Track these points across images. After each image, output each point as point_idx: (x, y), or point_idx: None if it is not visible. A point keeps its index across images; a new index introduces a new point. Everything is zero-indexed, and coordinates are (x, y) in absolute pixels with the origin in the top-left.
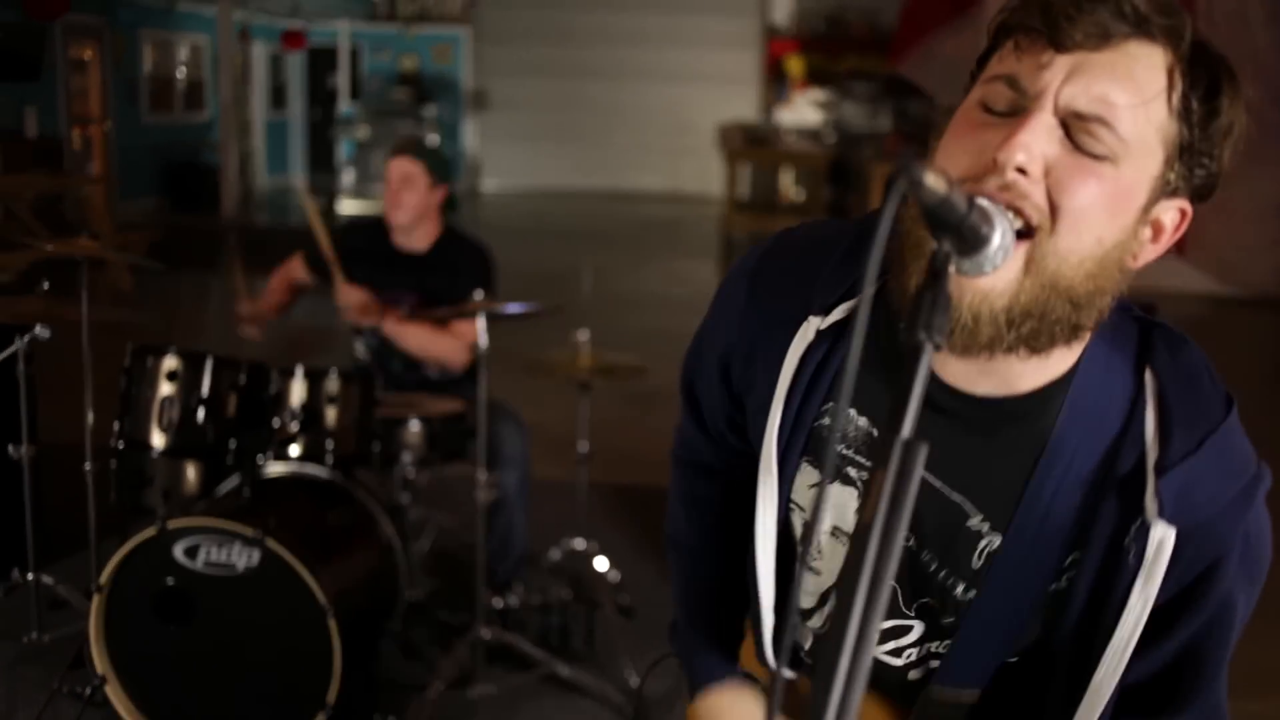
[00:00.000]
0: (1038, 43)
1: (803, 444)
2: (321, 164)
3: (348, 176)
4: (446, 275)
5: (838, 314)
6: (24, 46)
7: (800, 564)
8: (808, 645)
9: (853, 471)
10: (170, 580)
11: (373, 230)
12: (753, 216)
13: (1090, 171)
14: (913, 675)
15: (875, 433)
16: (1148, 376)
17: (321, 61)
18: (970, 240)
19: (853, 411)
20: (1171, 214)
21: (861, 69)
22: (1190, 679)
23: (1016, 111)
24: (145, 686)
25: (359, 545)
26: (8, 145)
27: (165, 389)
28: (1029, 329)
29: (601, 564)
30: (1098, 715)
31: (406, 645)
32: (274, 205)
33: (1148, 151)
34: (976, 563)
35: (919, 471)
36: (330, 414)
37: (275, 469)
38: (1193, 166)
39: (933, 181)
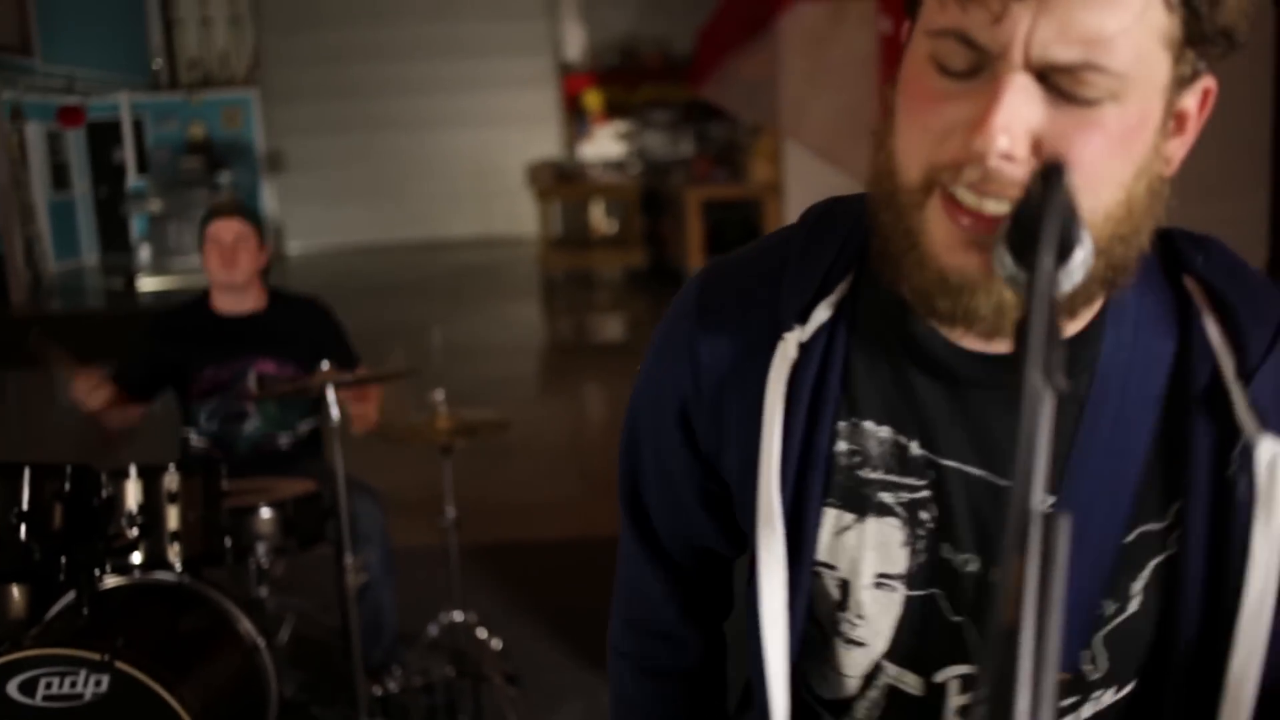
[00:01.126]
0: None
1: (821, 483)
2: (114, 243)
3: (144, 253)
4: (291, 332)
5: (817, 318)
6: None
7: (835, 638)
8: None
9: (889, 497)
10: None
11: (192, 308)
12: (568, 252)
13: (1089, 123)
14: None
15: (902, 441)
16: (1189, 283)
17: (103, 136)
18: (1065, 252)
19: (870, 424)
20: (1194, 97)
21: (659, 98)
22: None
23: (979, 70)
24: None
25: (219, 650)
26: None
27: None
28: (1080, 301)
29: (482, 633)
30: (1250, 695)
31: None
32: (66, 290)
33: (1153, 65)
34: None
35: (1066, 547)
36: (173, 514)
37: (115, 581)
38: (1207, 45)
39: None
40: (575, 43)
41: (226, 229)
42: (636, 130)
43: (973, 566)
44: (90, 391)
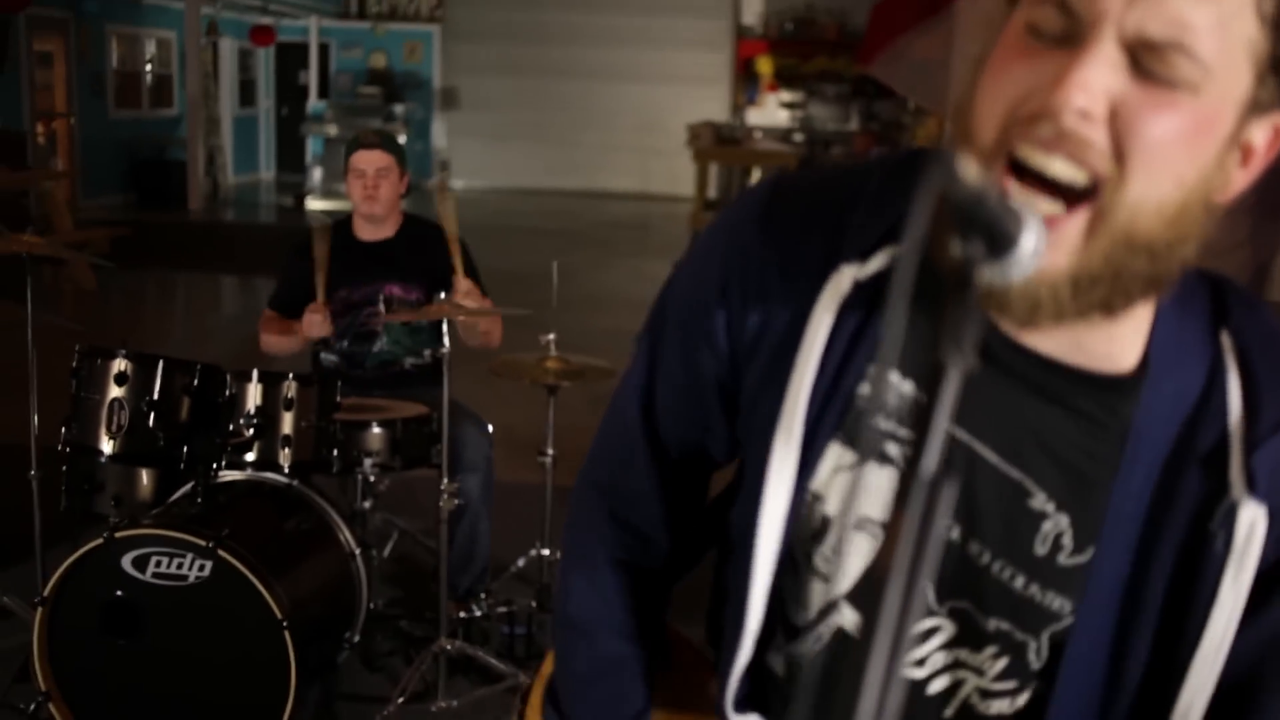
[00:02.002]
0: None
1: (837, 418)
2: (290, 162)
3: (316, 174)
4: (419, 258)
5: (877, 262)
6: None
7: (804, 567)
8: (781, 672)
9: (893, 449)
10: (118, 592)
11: (334, 231)
12: None
13: (1165, 104)
14: (935, 688)
15: (920, 401)
16: (1225, 338)
17: (290, 58)
18: (999, 243)
19: (896, 376)
20: (1264, 133)
21: (830, 70)
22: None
23: (1072, 38)
24: (91, 703)
25: (316, 554)
26: None
27: (114, 392)
28: (1100, 294)
29: None
30: None
31: (368, 657)
32: (241, 202)
33: (1234, 72)
34: (1040, 549)
35: (948, 514)
36: (286, 419)
37: (231, 476)
38: None
39: (970, 176)
40: (753, 8)
41: (369, 160)
42: (804, 100)
43: (952, 534)
44: (318, 323)
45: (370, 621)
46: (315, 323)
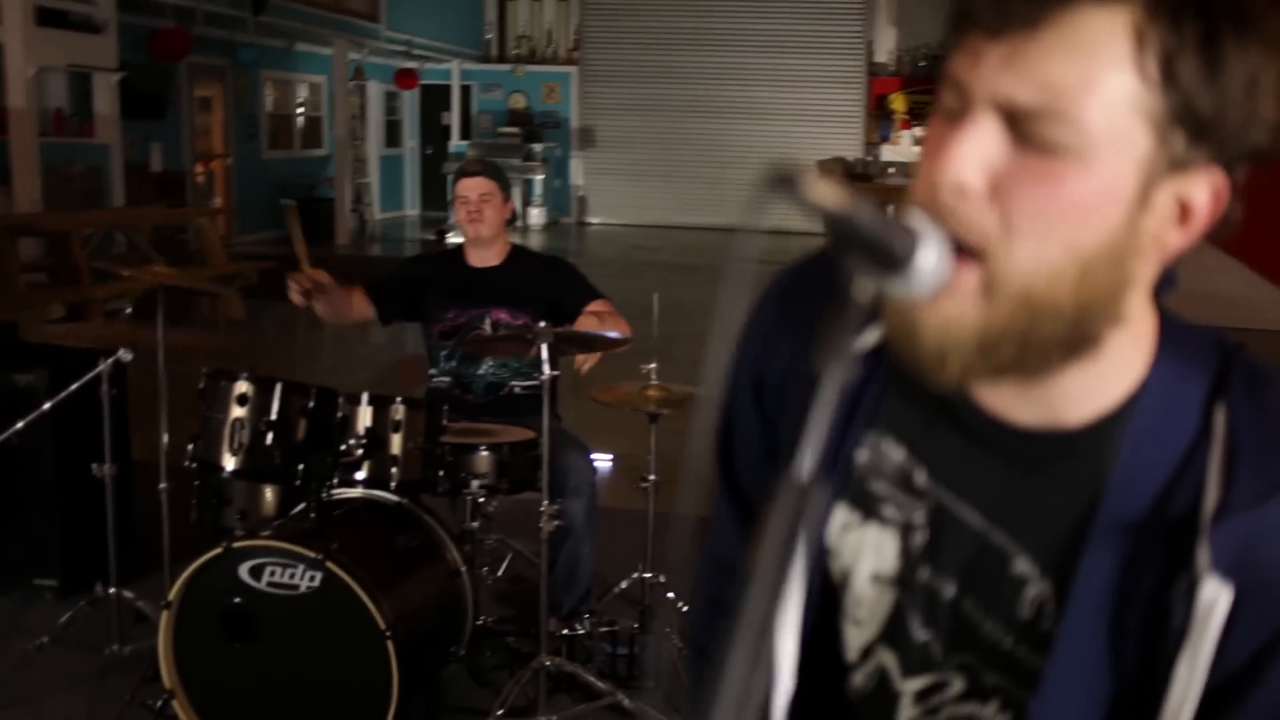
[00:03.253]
0: (973, 31)
1: (840, 481)
2: (434, 199)
3: None
4: (526, 285)
5: (875, 333)
6: (151, 87)
7: (839, 615)
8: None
9: (889, 511)
10: (236, 599)
11: (448, 255)
12: None
13: (1044, 175)
14: None
15: (910, 467)
16: (1218, 413)
17: (434, 100)
18: (886, 259)
19: (890, 442)
20: (1200, 191)
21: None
22: None
23: (962, 113)
24: (211, 702)
25: (423, 570)
26: (133, 179)
27: (236, 412)
28: (1009, 355)
29: (670, 594)
30: None
31: (475, 671)
32: (387, 238)
33: (1123, 133)
34: (1025, 613)
35: (816, 518)
36: (395, 440)
37: (344, 493)
38: (1206, 133)
39: (816, 194)
40: (886, 45)
41: (472, 186)
42: None
43: (948, 594)
44: (303, 286)
45: (477, 637)
46: (290, 288)
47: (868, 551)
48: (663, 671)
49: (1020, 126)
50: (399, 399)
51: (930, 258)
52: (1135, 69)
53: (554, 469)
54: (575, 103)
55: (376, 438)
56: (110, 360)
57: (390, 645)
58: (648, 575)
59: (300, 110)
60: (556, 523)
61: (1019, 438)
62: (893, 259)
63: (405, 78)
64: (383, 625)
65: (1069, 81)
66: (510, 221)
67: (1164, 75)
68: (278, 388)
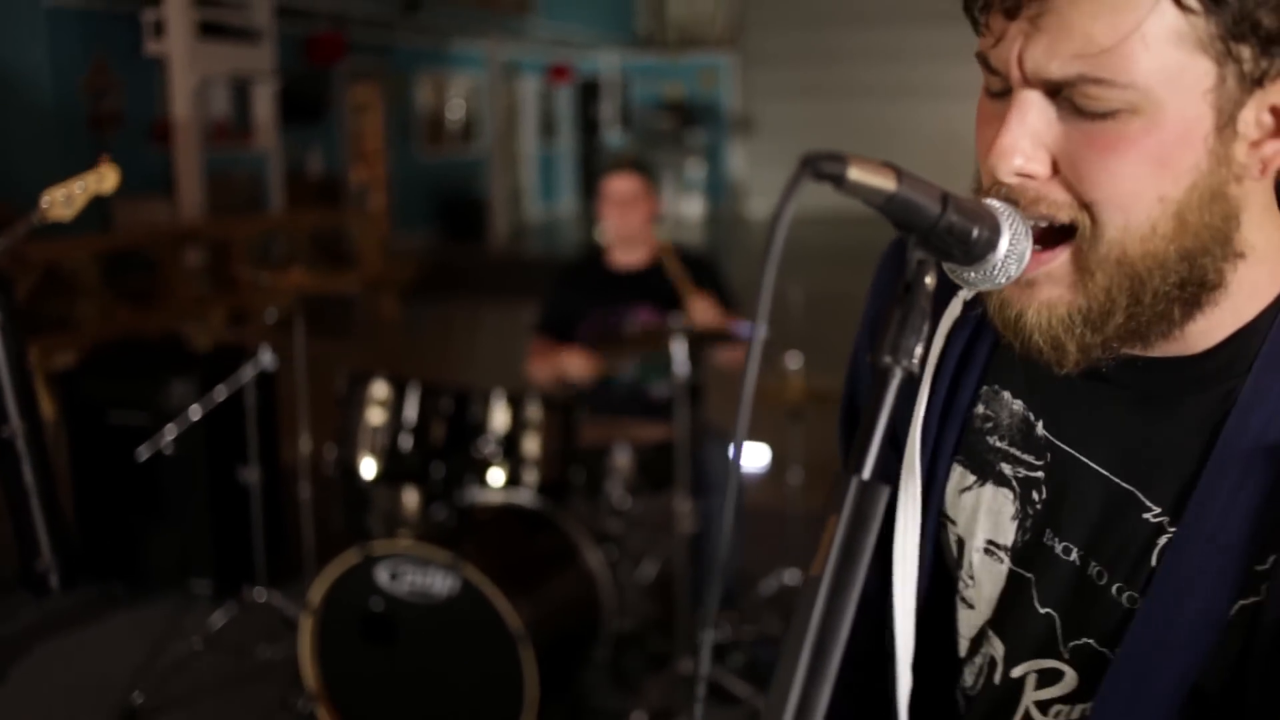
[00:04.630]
0: (990, 8)
1: (955, 440)
2: (591, 192)
3: None
4: (672, 287)
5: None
6: (308, 92)
7: (955, 594)
8: (963, 708)
9: (1008, 469)
10: (375, 603)
11: (585, 262)
12: None
13: (1108, 141)
14: None
15: (1030, 417)
16: None
17: (590, 93)
18: (961, 246)
19: (1007, 394)
20: None
21: None
22: None
23: (1007, 94)
24: (353, 706)
25: (560, 574)
26: (292, 184)
27: (374, 415)
28: (1125, 324)
29: None
30: None
31: (617, 674)
32: (545, 234)
33: (1180, 73)
34: (1155, 564)
35: (878, 518)
36: (531, 441)
37: (484, 496)
38: (1275, 37)
39: (859, 176)
40: None
41: (620, 185)
42: None
43: (1071, 556)
44: (579, 365)
45: (621, 640)
46: (576, 364)
47: (984, 516)
48: None
49: (1068, 97)
50: (536, 398)
51: (1005, 243)
52: (1173, 2)
53: (695, 467)
54: (735, 89)
55: (513, 438)
56: (254, 367)
57: (526, 650)
58: (794, 579)
59: (454, 110)
60: (697, 524)
61: (1148, 368)
62: (970, 245)
63: (558, 73)
64: (519, 629)
65: (1102, 42)
66: (656, 214)
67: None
68: (414, 389)
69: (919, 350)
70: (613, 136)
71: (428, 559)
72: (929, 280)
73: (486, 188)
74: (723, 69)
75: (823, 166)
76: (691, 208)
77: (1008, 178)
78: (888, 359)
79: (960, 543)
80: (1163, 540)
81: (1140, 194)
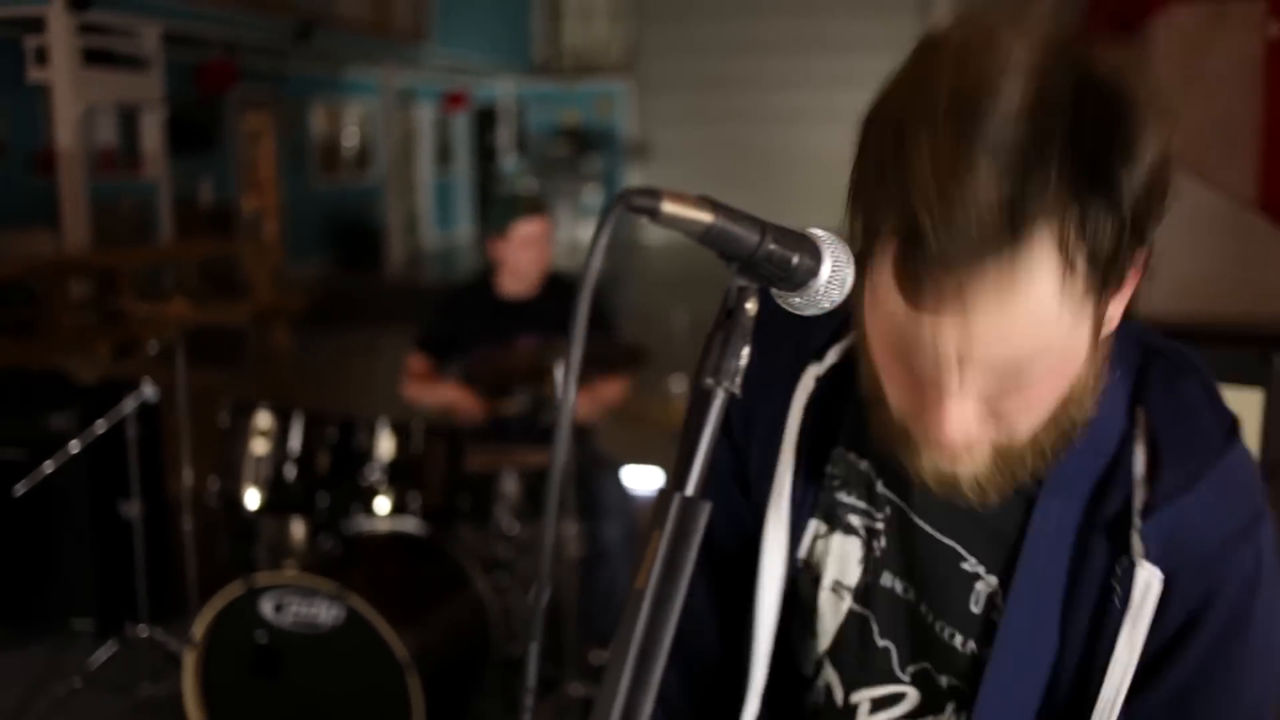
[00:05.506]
0: (918, 255)
1: (814, 496)
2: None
3: None
4: (560, 316)
5: (831, 357)
6: (198, 120)
7: (803, 626)
8: None
9: (855, 520)
10: (260, 636)
11: (475, 287)
12: None
13: (1028, 397)
14: None
15: (872, 476)
16: (1139, 414)
17: (486, 120)
18: (782, 273)
19: (854, 455)
20: (1133, 273)
21: None
22: None
23: (933, 386)
24: None
25: (448, 601)
26: (182, 214)
27: (258, 446)
28: (1027, 468)
29: None
30: None
31: (508, 700)
32: (441, 261)
33: (1079, 325)
34: (975, 608)
35: (699, 533)
36: (417, 468)
37: (370, 524)
38: (1136, 245)
39: (673, 209)
40: None
41: (531, 228)
42: None
43: (908, 596)
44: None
45: (511, 665)
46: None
47: (833, 560)
48: None
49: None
50: (421, 425)
51: (827, 270)
52: (1064, 276)
53: (587, 492)
54: (631, 115)
55: (398, 466)
56: (135, 399)
57: (413, 679)
58: None
59: (349, 137)
60: (574, 547)
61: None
62: (790, 271)
63: (454, 100)
64: (405, 658)
65: (1025, 348)
66: None
67: (1091, 260)
68: (298, 419)
69: (740, 375)
70: (509, 163)
71: (313, 589)
72: (749, 306)
73: (382, 215)
74: (618, 95)
75: (637, 201)
76: (588, 234)
77: (951, 450)
78: (709, 381)
79: (813, 582)
80: (979, 587)
81: (1049, 405)
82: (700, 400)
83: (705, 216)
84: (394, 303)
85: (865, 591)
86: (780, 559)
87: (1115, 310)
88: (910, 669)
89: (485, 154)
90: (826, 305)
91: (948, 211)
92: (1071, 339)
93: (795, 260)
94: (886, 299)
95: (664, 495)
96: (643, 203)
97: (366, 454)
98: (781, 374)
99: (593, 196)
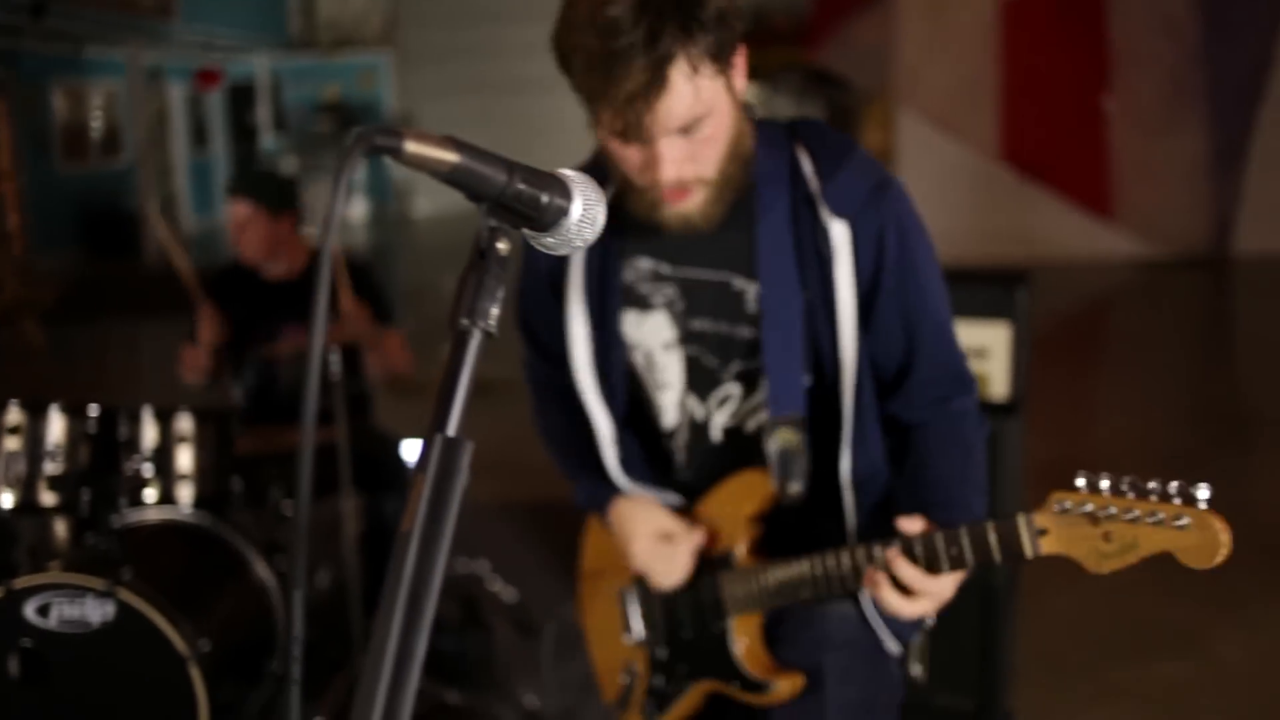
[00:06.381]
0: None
1: (618, 295)
2: None
3: None
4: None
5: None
6: None
7: (652, 388)
8: (680, 459)
9: (658, 298)
10: (26, 642)
11: (235, 272)
12: None
13: (706, 139)
14: (750, 427)
15: (654, 266)
16: (797, 145)
17: (242, 97)
18: (533, 212)
19: (640, 258)
20: (740, 59)
21: (789, 62)
22: (912, 336)
23: (642, 142)
24: None
25: (226, 588)
26: None
27: (9, 443)
28: (727, 192)
29: (497, 584)
30: (853, 384)
31: (302, 685)
32: (202, 246)
33: (714, 89)
34: (751, 309)
35: (463, 472)
36: (184, 455)
37: (139, 516)
38: (728, 49)
39: (417, 149)
40: None
41: (232, 210)
42: (767, 95)
43: (709, 329)
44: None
45: (300, 649)
46: (189, 369)
47: (654, 329)
48: (495, 665)
49: (681, 129)
50: (185, 409)
51: (578, 209)
52: (695, 71)
53: (365, 468)
54: (393, 87)
55: (165, 454)
56: None
57: (194, 671)
58: (475, 568)
59: (95, 120)
60: (349, 523)
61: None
62: (541, 210)
63: (207, 77)
64: (184, 650)
65: (694, 112)
66: (298, 226)
67: (709, 57)
68: (54, 413)
69: (495, 312)
70: (269, 141)
71: (80, 588)
72: (501, 246)
73: (135, 201)
74: (381, 68)
75: (379, 140)
76: (354, 210)
77: (670, 184)
78: (465, 321)
79: (647, 354)
80: (750, 293)
81: (720, 151)
82: (458, 341)
83: (450, 156)
84: (155, 290)
85: (684, 338)
86: (584, 340)
87: (739, 82)
88: (732, 370)
89: (244, 133)
90: (580, 244)
91: (622, 76)
92: (717, 101)
93: (545, 199)
94: (610, 123)
95: (426, 437)
96: (385, 142)
97: (131, 444)
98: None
99: (360, 172)
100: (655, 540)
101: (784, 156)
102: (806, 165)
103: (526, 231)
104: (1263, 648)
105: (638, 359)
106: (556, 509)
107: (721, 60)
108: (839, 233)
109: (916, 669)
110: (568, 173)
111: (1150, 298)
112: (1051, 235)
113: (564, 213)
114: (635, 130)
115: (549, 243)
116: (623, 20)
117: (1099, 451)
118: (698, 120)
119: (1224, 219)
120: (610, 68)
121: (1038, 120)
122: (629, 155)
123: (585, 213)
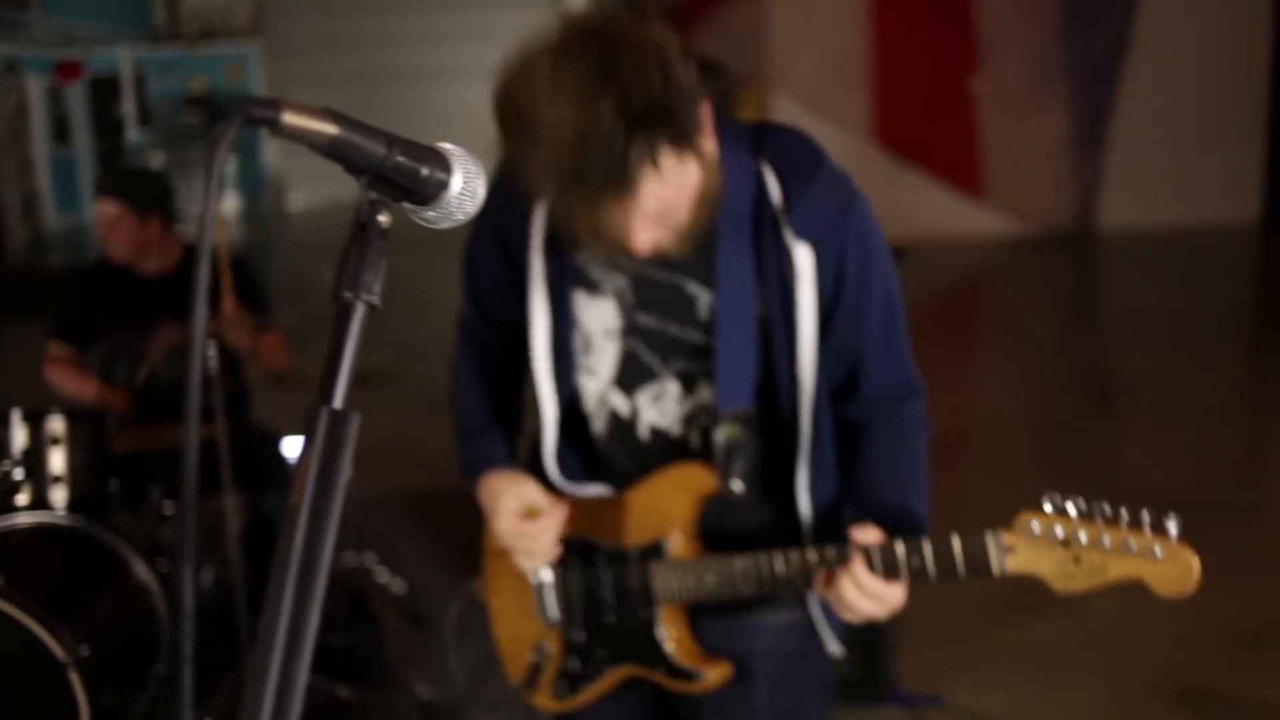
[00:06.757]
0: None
1: (573, 277)
2: None
3: None
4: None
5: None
6: None
7: (583, 374)
8: (600, 449)
9: (608, 285)
10: None
11: (112, 271)
12: None
13: (675, 208)
14: (677, 431)
15: (614, 256)
16: (761, 160)
17: (104, 90)
18: (413, 185)
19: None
20: (706, 121)
21: None
22: (868, 346)
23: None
24: None
25: (105, 591)
26: None
27: None
28: (700, 225)
29: (385, 576)
30: (811, 404)
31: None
32: (68, 244)
33: (683, 169)
34: (704, 316)
35: (351, 445)
36: (56, 457)
37: (10, 521)
38: (691, 131)
39: (295, 120)
40: None
41: (99, 210)
42: None
43: (655, 326)
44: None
45: (177, 652)
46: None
47: (599, 314)
48: (385, 658)
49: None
50: (56, 410)
51: (458, 183)
52: (661, 164)
53: (245, 464)
54: (263, 79)
55: (36, 456)
56: None
57: (73, 676)
58: (362, 561)
59: None
60: (244, 519)
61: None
62: (420, 183)
63: (67, 70)
64: (62, 655)
65: (664, 200)
66: (171, 224)
67: (672, 145)
68: None
69: (377, 286)
70: (134, 136)
71: None
72: (382, 219)
73: None
74: (250, 60)
75: (256, 112)
76: (226, 204)
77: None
78: (348, 294)
79: (587, 337)
80: (703, 301)
81: (693, 204)
82: (341, 314)
83: (329, 128)
84: (17, 291)
85: (628, 330)
86: (544, 319)
87: (707, 145)
88: (673, 368)
89: (108, 127)
90: (460, 218)
91: (588, 188)
92: (686, 177)
93: (425, 172)
94: (572, 219)
95: (312, 410)
96: (262, 113)
97: None
98: (527, 207)
99: (230, 166)
100: (517, 517)
101: (749, 170)
102: (772, 184)
103: (407, 205)
104: (1127, 607)
105: (579, 341)
106: (443, 499)
107: (688, 141)
108: (803, 257)
109: (837, 646)
110: (448, 147)
111: (1020, 273)
112: (924, 215)
113: (444, 186)
114: (604, 229)
115: (430, 215)
116: (586, 132)
117: (977, 423)
118: (666, 202)
119: (1088, 196)
120: (571, 182)
121: (908, 102)
122: (603, 236)
123: (465, 186)
